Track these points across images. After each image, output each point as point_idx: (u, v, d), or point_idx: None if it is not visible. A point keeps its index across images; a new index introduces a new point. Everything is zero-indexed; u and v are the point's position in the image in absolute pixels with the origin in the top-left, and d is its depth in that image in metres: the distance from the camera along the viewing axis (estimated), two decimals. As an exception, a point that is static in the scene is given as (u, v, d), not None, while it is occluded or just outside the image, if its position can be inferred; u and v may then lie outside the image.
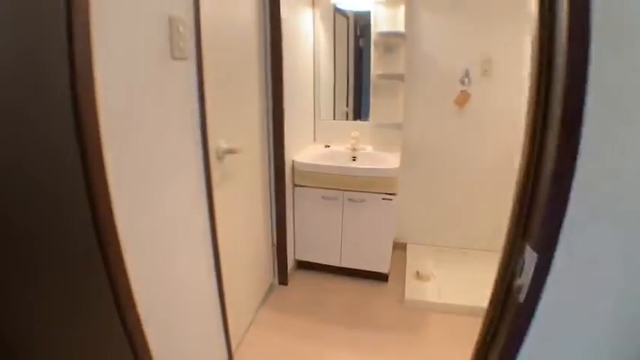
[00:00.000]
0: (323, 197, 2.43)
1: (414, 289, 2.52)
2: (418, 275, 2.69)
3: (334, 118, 2.86)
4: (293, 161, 2.40)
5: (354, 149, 2.64)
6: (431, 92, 2.68)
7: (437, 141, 2.80)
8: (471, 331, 2.27)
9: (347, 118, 2.88)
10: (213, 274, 1.51)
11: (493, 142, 2.74)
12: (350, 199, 2.40)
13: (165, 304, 1.19)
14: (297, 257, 2.70)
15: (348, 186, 2.38)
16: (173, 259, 1.22)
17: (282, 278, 2.56)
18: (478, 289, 2.68)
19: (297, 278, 2.68)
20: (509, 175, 2.86)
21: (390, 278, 2.67)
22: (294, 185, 2.46)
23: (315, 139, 2.86)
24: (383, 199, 2.37)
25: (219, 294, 1.58)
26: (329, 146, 2.73)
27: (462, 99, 2.60)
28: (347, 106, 2.88)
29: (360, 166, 2.36)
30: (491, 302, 1.04)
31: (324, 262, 2.66)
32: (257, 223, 2.14)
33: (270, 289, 2.52)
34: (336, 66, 2.78)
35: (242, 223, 1.90)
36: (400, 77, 2.57)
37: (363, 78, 2.78)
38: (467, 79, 2.57)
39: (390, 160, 2.43)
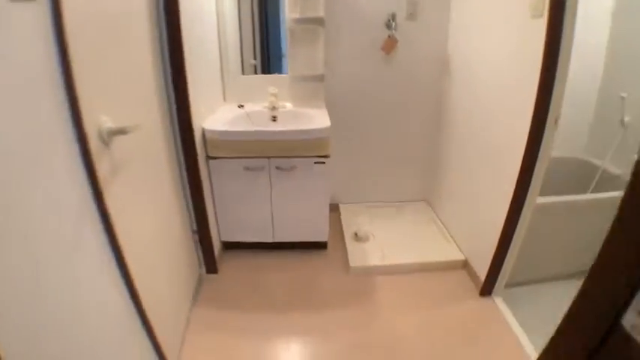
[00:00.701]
0: (245, 168, 2.11)
1: (356, 255, 2.40)
2: (357, 237, 2.57)
3: (243, 73, 2.48)
4: (203, 129, 2.01)
5: (272, 108, 2.32)
6: (355, 38, 2.42)
7: (364, 92, 2.59)
8: (419, 288, 2.24)
9: (255, 72, 2.51)
10: (123, 293, 1.17)
11: (423, 89, 2.62)
12: (278, 167, 2.12)
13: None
14: (223, 239, 2.40)
15: (274, 152, 2.09)
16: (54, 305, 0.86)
17: (211, 266, 2.26)
18: (418, 242, 2.68)
19: (227, 263, 2.40)
20: (438, 122, 2.76)
21: (328, 244, 2.51)
22: (208, 158, 2.09)
23: (225, 99, 2.47)
24: (315, 162, 2.12)
25: (137, 312, 1.25)
26: (243, 106, 2.36)
27: (389, 45, 2.38)
28: (254, 58, 2.50)
29: (287, 129, 2.05)
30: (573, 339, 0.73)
31: (256, 240, 2.41)
32: (170, 211, 1.76)
33: (200, 282, 2.21)
34: (241, 13, 2.36)
35: (151, 217, 1.53)
36: (319, 22, 2.25)
37: (271, 25, 2.42)
38: (394, 23, 2.35)
39: (318, 119, 2.17)
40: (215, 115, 2.21)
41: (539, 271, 2.33)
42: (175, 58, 1.66)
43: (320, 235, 2.39)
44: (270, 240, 2.37)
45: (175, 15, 1.60)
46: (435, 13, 2.40)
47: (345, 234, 2.60)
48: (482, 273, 2.15)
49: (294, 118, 2.27)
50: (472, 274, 2.29)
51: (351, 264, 2.30)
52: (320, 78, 2.40)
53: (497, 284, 2.12)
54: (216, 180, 2.15)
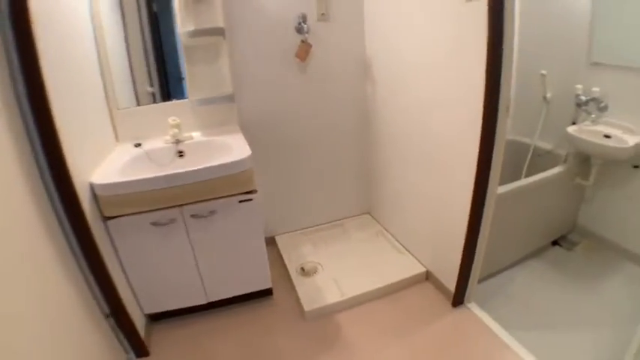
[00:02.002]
0: (153, 224, 1.71)
1: (308, 295, 2.12)
2: (303, 272, 2.32)
3: (138, 104, 2.06)
4: (91, 184, 1.58)
5: (177, 141, 1.96)
6: (264, 48, 2.16)
7: (283, 106, 2.34)
8: (389, 315, 1.98)
9: (155, 101, 2.11)
10: None
11: (346, 96, 2.46)
12: (194, 216, 1.76)
13: None
14: (147, 312, 1.96)
15: (186, 198, 1.72)
16: None
17: (139, 349, 1.82)
18: (372, 262, 2.44)
19: (159, 339, 1.96)
20: (367, 129, 2.43)
21: (274, 289, 2.19)
22: (105, 218, 1.66)
23: (118, 139, 2.03)
24: (240, 201, 1.80)
25: None
26: (140, 145, 1.96)
27: (303, 51, 2.16)
28: (151, 85, 2.10)
29: (198, 167, 1.68)
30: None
31: (187, 305, 2.01)
32: (64, 302, 1.32)
33: (127, 374, 1.75)
34: (128, 33, 1.96)
35: (32, 322, 1.09)
36: (219, 32, 1.95)
37: (166, 44, 2.05)
38: (305, 26, 2.13)
39: (235, 147, 1.85)
40: (106, 162, 1.78)
41: (498, 262, 2.29)
42: (36, 98, 1.24)
43: (261, 282, 2.08)
44: (203, 301, 2.00)
45: (28, 38, 1.18)
46: (350, 11, 2.24)
47: (290, 271, 2.31)
48: (450, 281, 2.02)
49: (206, 150, 1.93)
50: (438, 285, 2.16)
51: (306, 308, 2.01)
52: (229, 98, 2.09)
53: (468, 290, 2.01)
54: (121, 244, 1.73)
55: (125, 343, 1.76)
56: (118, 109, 1.98)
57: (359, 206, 2.85)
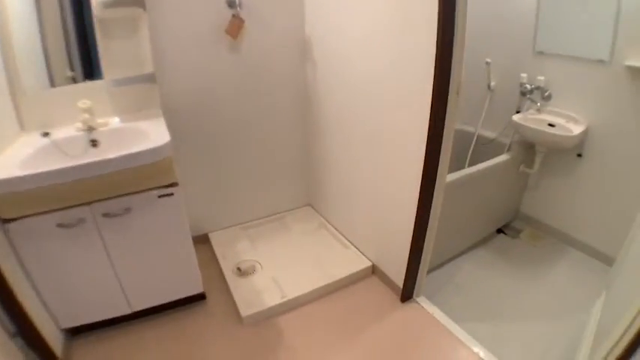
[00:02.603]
0: (59, 225, 1.46)
1: (246, 298, 1.96)
2: (240, 272, 2.15)
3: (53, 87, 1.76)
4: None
5: (89, 128, 1.70)
6: (190, 21, 1.92)
7: (211, 88, 2.11)
8: (335, 315, 1.87)
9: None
10: None
11: (283, 79, 2.29)
12: (106, 215, 1.52)
13: None
14: (64, 326, 1.71)
15: (95, 194, 1.49)
16: None
17: None
18: (315, 257, 2.31)
19: (80, 356, 1.71)
20: (306, 116, 2.23)
21: (207, 293, 2.00)
22: (4, 221, 1.39)
23: (23, 127, 1.72)
24: (160, 196, 1.59)
25: None
26: (48, 133, 1.67)
27: (235, 26, 1.96)
28: (71, 69, 1.81)
29: (106, 157, 1.44)
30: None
31: (108, 317, 1.77)
32: None
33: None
34: (44, 17, 1.65)
35: None
36: (138, 3, 1.70)
37: (90, 26, 1.76)
38: (237, 0, 1.91)
39: (153, 134, 1.63)
40: (5, 154, 1.50)
41: (444, 252, 2.28)
42: None
43: (192, 286, 1.89)
44: (127, 311, 1.78)
45: None
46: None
47: (225, 271, 2.13)
48: (397, 275, 1.96)
49: (123, 139, 1.68)
50: (385, 279, 2.09)
51: (243, 313, 1.85)
52: (150, 78, 1.85)
53: (417, 284, 1.95)
54: (26, 251, 1.46)
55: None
56: (25, 94, 1.68)
57: (299, 198, 2.72)
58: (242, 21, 1.96)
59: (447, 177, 1.82)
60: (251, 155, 2.39)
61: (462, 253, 2.37)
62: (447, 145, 1.56)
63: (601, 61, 1.99)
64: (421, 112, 1.51)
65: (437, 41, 1.33)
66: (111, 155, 1.44)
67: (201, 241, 2.38)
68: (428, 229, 1.75)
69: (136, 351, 1.73)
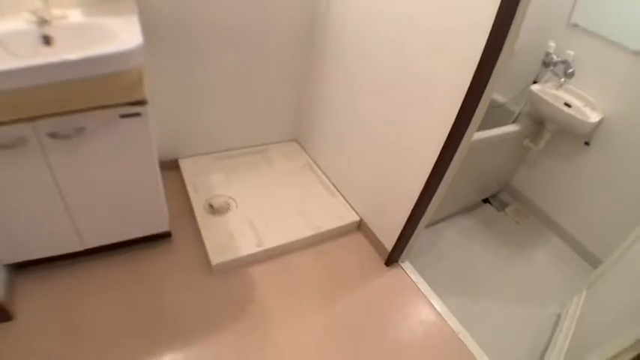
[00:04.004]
0: None
1: (217, 242, 1.74)
2: (212, 209, 1.91)
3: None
4: None
5: (42, 21, 1.29)
6: None
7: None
8: (312, 274, 1.75)
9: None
10: None
11: None
12: (52, 135, 1.20)
13: None
14: (6, 261, 1.44)
15: (41, 108, 1.14)
16: None
17: None
18: (297, 201, 2.09)
19: (25, 297, 1.46)
20: (311, 42, 1.84)
21: (172, 231, 1.74)
22: None
23: None
24: (122, 116, 1.26)
25: None
26: None
27: None
28: None
29: (56, 59, 1.07)
30: None
31: (57, 253, 1.51)
32: None
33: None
34: None
35: None
36: None
37: None
38: None
39: (123, 34, 1.26)
40: None
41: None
42: None
43: (156, 224, 1.64)
44: (78, 248, 1.52)
45: None
46: None
47: (195, 207, 1.89)
48: (386, 236, 1.80)
49: (83, 37, 1.31)
50: (371, 238, 1.92)
51: (213, 260, 1.65)
52: None
53: (406, 250, 1.79)
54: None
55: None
56: None
57: (286, 131, 2.41)
58: None
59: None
60: (238, 72, 2.00)
61: (446, 218, 2.23)
62: (483, 104, 1.29)
63: (638, 53, 1.76)
64: (465, 64, 1.23)
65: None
66: (70, 56, 1.06)
67: (170, 167, 2.09)
68: (436, 194, 1.54)
69: (88, 294, 1.51)
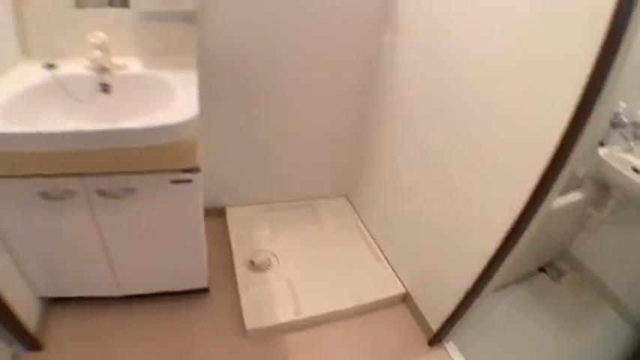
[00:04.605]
0: (42, 195, 1.13)
1: (254, 304, 1.65)
2: (253, 265, 1.85)
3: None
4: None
5: (101, 69, 1.32)
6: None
7: (261, 40, 1.66)
8: (350, 348, 1.62)
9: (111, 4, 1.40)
10: None
11: (350, 40, 1.77)
12: (101, 193, 1.19)
13: None
14: (43, 294, 1.46)
15: (90, 165, 1.12)
16: None
17: (29, 341, 1.35)
18: (340, 266, 1.94)
19: (57, 328, 1.47)
20: (370, 89, 1.63)
21: (211, 285, 1.68)
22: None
23: (29, 53, 1.34)
24: (173, 182, 1.23)
25: None
26: (53, 65, 1.29)
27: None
28: None
29: (105, 127, 1.05)
30: None
31: (95, 294, 1.52)
32: None
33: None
34: None
35: None
36: None
37: None
38: None
39: (179, 92, 1.24)
40: None
41: None
42: None
43: (195, 280, 1.60)
44: (117, 294, 1.52)
45: None
46: None
47: (236, 262, 1.84)
48: (432, 313, 1.63)
49: (140, 89, 1.32)
50: (415, 313, 1.77)
51: (248, 324, 1.57)
52: (189, 17, 1.44)
53: (453, 330, 1.60)
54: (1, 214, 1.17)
55: (6, 333, 1.28)
56: (32, 12, 1.27)
57: (337, 186, 2.32)
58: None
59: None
60: (293, 125, 1.97)
61: (501, 287, 2.00)
62: (572, 162, 1.14)
63: None
64: (550, 121, 1.11)
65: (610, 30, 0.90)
66: (126, 123, 1.06)
67: (216, 214, 2.07)
68: (501, 267, 1.34)
69: (118, 338, 1.48)
